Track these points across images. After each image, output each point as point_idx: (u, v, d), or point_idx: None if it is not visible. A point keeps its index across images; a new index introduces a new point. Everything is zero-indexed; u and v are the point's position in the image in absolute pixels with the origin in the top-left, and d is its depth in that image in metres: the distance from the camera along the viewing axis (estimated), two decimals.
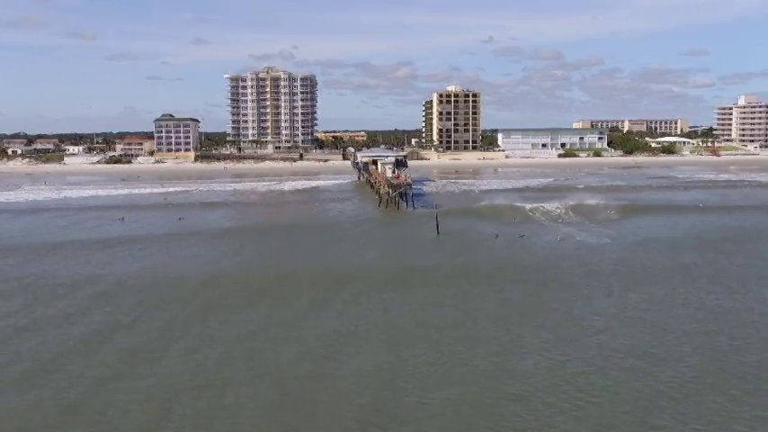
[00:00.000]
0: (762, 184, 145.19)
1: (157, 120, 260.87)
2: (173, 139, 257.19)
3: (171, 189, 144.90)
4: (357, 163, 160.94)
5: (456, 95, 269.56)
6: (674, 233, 78.35)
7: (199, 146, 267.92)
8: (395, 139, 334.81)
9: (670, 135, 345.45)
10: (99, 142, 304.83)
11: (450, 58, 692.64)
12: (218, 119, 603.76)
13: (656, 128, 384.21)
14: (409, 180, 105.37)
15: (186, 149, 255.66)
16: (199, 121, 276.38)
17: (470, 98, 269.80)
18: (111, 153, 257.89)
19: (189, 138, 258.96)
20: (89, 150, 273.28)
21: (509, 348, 38.54)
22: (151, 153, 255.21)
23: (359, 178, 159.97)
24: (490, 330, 41.77)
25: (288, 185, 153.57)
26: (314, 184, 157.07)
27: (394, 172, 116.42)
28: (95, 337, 41.34)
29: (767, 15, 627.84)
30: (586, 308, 46.43)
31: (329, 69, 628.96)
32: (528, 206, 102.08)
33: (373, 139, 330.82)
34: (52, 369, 36.07)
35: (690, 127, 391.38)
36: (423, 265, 61.74)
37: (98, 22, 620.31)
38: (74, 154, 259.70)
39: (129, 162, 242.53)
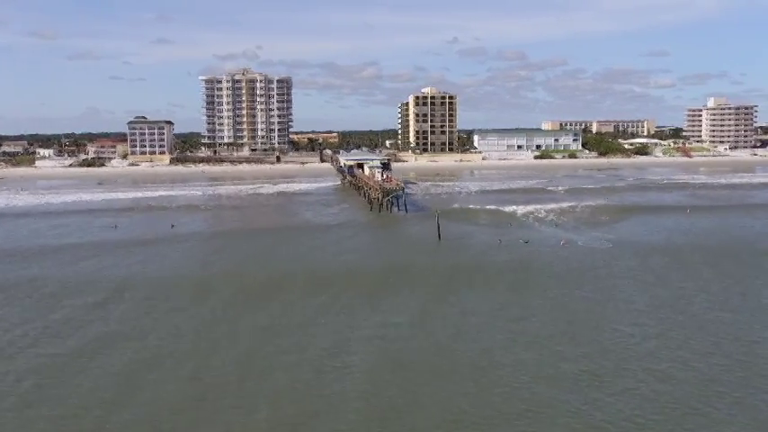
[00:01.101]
0: (737, 186, 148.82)
1: (131, 122, 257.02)
2: (146, 142, 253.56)
3: (155, 194, 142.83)
4: (341, 166, 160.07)
5: (432, 97, 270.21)
6: (668, 234, 79.76)
7: (173, 148, 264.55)
8: (369, 140, 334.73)
9: (637, 136, 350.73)
10: (67, 144, 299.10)
11: (415, 58, 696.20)
12: (182, 119, 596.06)
13: (623, 129, 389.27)
14: (402, 184, 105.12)
15: (160, 152, 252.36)
16: (173, 123, 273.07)
17: (446, 100, 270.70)
18: (84, 156, 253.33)
19: (163, 140, 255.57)
20: (60, 153, 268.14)
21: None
22: (124, 156, 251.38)
23: (342, 182, 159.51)
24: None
25: (272, 189, 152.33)
26: (297, 187, 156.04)
27: (384, 176, 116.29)
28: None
29: (725, 18, 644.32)
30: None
31: (294, 69, 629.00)
32: (519, 210, 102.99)
33: (347, 141, 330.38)
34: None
35: (656, 127, 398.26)
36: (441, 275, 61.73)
37: (58, 20, 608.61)
38: (45, 157, 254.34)
39: (103, 165, 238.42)
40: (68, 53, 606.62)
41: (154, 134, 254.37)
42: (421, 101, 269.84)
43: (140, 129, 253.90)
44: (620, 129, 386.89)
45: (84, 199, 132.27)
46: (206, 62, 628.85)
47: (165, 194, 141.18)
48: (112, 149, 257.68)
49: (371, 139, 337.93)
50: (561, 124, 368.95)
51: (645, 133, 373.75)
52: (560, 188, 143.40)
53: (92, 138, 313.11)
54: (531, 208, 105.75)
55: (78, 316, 48.53)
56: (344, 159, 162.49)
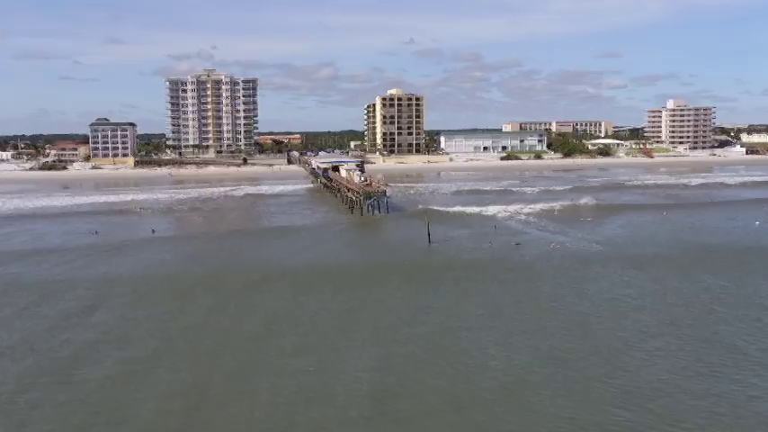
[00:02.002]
0: (705, 185, 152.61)
1: (93, 124, 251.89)
2: (109, 144, 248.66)
3: (127, 197, 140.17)
4: (315, 169, 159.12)
5: (399, 99, 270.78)
6: (651, 234, 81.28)
7: (137, 151, 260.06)
8: (333, 142, 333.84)
9: (595, 136, 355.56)
10: (24, 147, 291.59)
11: (371, 59, 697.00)
12: (136, 120, 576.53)
13: (582, 129, 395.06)
14: (383, 187, 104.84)
15: (124, 154, 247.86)
16: (136, 126, 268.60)
17: (413, 102, 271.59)
18: (44, 159, 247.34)
19: (126, 142, 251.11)
20: (18, 156, 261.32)
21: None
22: (87, 158, 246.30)
23: (315, 184, 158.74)
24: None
25: (245, 192, 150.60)
26: (270, 190, 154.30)
27: (363, 178, 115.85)
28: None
29: (674, 21, 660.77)
30: None
31: (250, 70, 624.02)
32: (500, 212, 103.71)
33: (311, 142, 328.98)
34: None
35: (614, 128, 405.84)
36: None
37: (4, 19, 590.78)
38: (3, 160, 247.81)
39: (65, 168, 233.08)
40: (15, 52, 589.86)
41: (117, 136, 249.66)
42: (388, 102, 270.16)
43: (103, 131, 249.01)
44: (579, 129, 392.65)
45: (55, 204, 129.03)
46: (160, 62, 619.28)
47: (137, 198, 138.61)
48: (74, 152, 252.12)
49: (336, 141, 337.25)
50: (521, 125, 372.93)
51: (602, 134, 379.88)
52: (534, 189, 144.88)
53: (47, 140, 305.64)
54: (511, 209, 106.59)
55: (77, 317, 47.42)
56: (318, 162, 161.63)
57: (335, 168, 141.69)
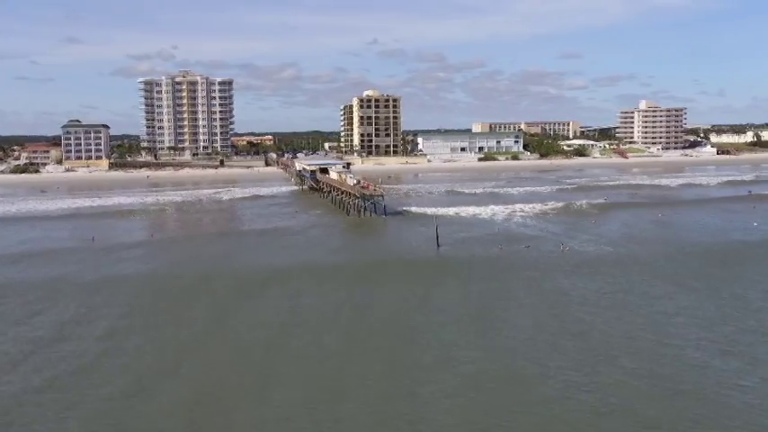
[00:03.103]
0: (686, 185, 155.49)
1: (65, 126, 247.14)
2: (82, 147, 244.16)
3: (111, 200, 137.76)
4: (301, 171, 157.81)
5: (377, 100, 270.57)
6: (656, 234, 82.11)
7: (111, 153, 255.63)
8: (307, 144, 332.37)
9: (564, 137, 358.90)
10: None
11: (335, 59, 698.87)
12: (94, 121, 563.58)
13: (551, 129, 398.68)
14: (381, 189, 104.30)
15: (97, 157, 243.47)
16: (109, 127, 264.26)
17: (390, 103, 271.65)
18: (16, 162, 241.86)
19: (100, 144, 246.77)
20: None
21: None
22: (59, 161, 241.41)
23: (301, 187, 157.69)
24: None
25: (232, 194, 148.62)
26: (257, 192, 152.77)
27: (356, 180, 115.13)
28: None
29: (633, 22, 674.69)
30: None
31: (212, 70, 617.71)
32: (496, 214, 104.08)
33: (285, 143, 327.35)
34: None
35: (581, 128, 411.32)
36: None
37: None
38: None
39: (38, 171, 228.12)
40: None
41: (90, 138, 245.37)
42: (365, 103, 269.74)
43: (76, 133, 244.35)
44: (548, 130, 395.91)
45: (39, 209, 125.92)
46: (119, 62, 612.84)
47: (124, 201, 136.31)
48: (46, 154, 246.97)
49: (309, 143, 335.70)
50: (491, 126, 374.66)
51: (570, 134, 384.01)
52: (521, 190, 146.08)
53: (4, 141, 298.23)
54: (506, 211, 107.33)
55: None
56: (305, 164, 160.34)
57: (324, 171, 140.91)
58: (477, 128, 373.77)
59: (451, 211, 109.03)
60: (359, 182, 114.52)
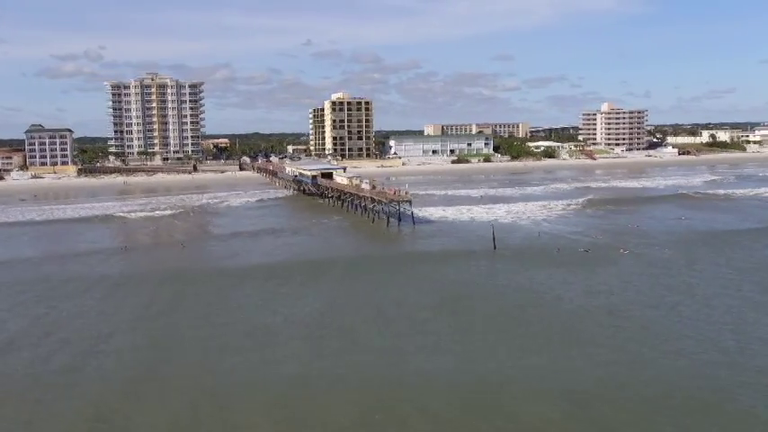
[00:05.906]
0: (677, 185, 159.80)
1: (28, 131, 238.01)
2: (47, 152, 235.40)
3: (105, 204, 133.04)
4: (296, 176, 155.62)
5: (348, 103, 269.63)
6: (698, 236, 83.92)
7: (78, 158, 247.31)
8: (271, 147, 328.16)
9: (515, 138, 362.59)
10: None
11: (268, 60, 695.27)
12: (20, 124, 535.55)
13: (501, 131, 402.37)
14: (408, 196, 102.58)
15: (63, 162, 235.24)
16: (73, 132, 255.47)
17: (363, 106, 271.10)
18: None
19: (65, 150, 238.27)
20: None
21: None
22: (22, 167, 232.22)
23: (293, 191, 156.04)
24: None
25: (231, 201, 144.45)
26: (249, 198, 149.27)
27: (372, 185, 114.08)
28: None
29: (563, 24, 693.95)
30: None
31: (141, 71, 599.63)
32: (521, 218, 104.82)
33: (251, 147, 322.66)
34: None
35: (530, 129, 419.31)
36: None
37: None
38: None
39: (2, 178, 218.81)
40: None
41: (55, 144, 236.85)
42: (337, 106, 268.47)
43: (40, 138, 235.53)
44: (498, 131, 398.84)
45: (29, 218, 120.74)
46: (43, 62, 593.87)
47: (124, 208, 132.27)
48: (8, 161, 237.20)
49: (272, 145, 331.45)
50: (443, 128, 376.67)
51: (520, 135, 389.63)
52: (515, 192, 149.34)
53: None
54: (527, 212, 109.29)
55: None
56: (301, 168, 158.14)
57: (326, 175, 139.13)
58: (428, 130, 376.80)
59: (466, 215, 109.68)
60: (374, 186, 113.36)
